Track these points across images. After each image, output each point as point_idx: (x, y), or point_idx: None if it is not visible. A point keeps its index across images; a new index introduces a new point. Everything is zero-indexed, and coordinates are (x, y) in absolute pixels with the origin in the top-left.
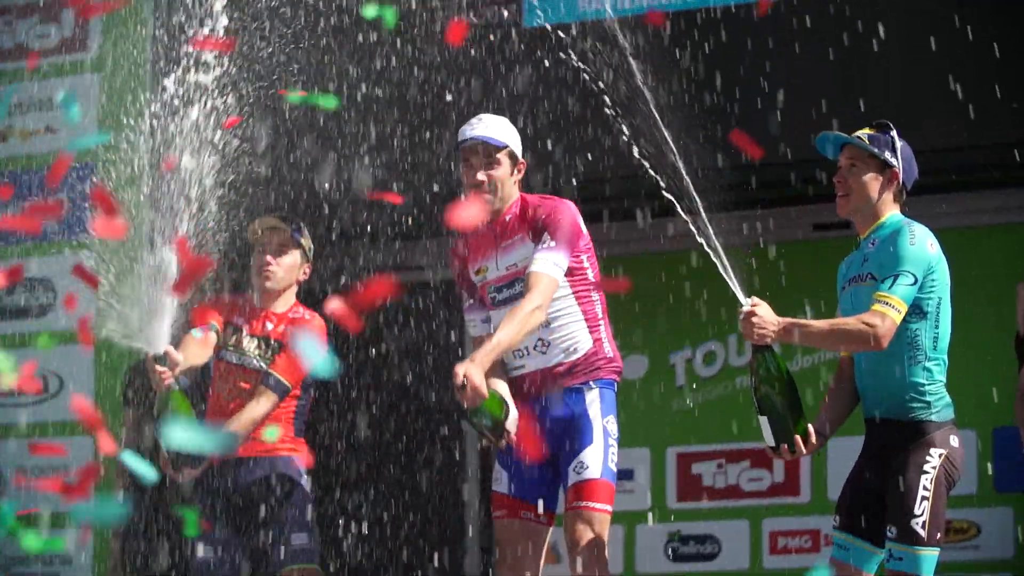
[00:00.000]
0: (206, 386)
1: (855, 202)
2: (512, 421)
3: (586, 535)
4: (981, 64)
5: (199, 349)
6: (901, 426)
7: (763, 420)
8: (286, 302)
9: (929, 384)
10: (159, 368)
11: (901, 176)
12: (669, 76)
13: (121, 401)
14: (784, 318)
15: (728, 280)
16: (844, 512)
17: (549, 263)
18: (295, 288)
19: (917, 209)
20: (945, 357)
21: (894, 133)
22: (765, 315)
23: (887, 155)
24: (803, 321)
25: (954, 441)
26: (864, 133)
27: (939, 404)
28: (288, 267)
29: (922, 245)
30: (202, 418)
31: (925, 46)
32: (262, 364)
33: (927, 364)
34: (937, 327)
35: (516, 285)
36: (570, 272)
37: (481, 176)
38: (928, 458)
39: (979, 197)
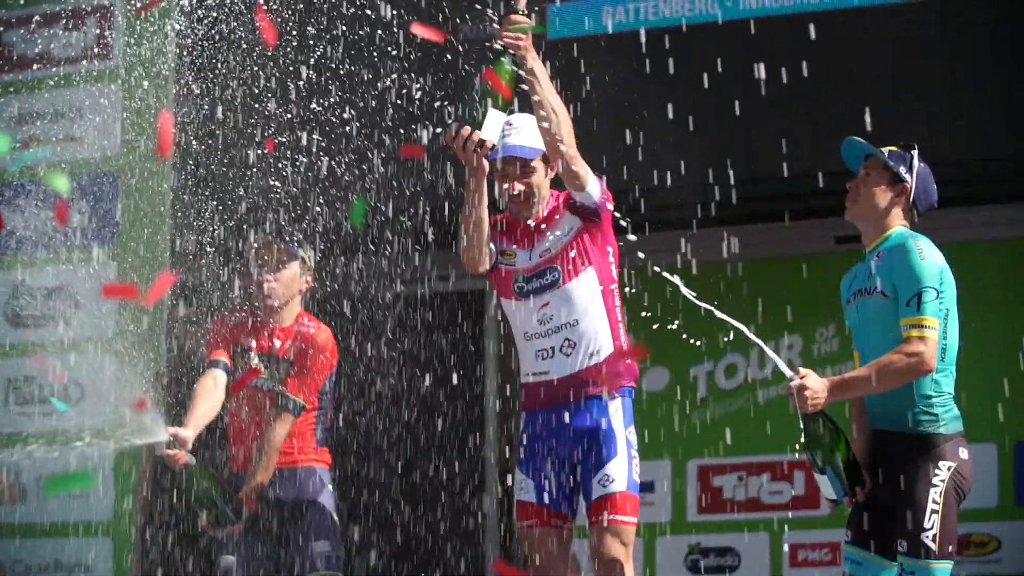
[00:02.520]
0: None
1: (861, 209)
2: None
3: (613, 548)
4: (993, 77)
5: (211, 402)
6: (909, 439)
7: (822, 478)
8: (291, 314)
9: (937, 396)
10: (170, 452)
11: (912, 194)
12: (691, 88)
13: None
14: (829, 379)
15: (772, 357)
16: (855, 527)
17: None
18: (299, 298)
19: (934, 222)
20: (953, 368)
21: (916, 153)
22: (814, 385)
23: (901, 170)
24: (849, 376)
25: (963, 453)
26: (887, 148)
27: (947, 416)
28: (287, 280)
29: (932, 258)
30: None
31: (944, 60)
32: (274, 384)
33: (935, 376)
34: (945, 338)
35: (546, 274)
36: (598, 266)
37: (519, 187)
38: (937, 471)
39: (996, 209)
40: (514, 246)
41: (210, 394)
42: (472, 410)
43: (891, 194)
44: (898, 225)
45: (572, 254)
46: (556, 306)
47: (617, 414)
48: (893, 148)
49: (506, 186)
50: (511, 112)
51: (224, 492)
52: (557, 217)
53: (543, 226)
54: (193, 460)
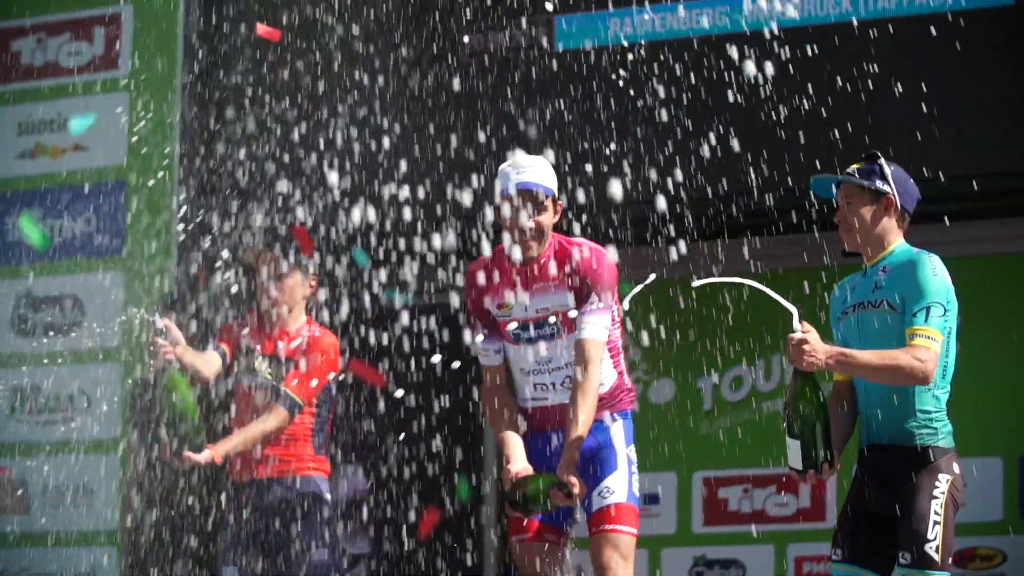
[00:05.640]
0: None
1: (858, 235)
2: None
3: (614, 558)
4: (1012, 89)
5: (204, 359)
6: (909, 452)
7: (793, 443)
8: (297, 320)
9: (936, 411)
10: (160, 341)
11: (897, 201)
12: (701, 99)
13: (128, 417)
14: (832, 347)
15: (786, 305)
16: (847, 544)
17: (600, 328)
18: (304, 304)
19: (943, 235)
20: (949, 387)
21: (882, 161)
22: (815, 343)
23: (878, 183)
24: (851, 351)
25: (956, 467)
26: (854, 168)
27: (944, 431)
28: (289, 289)
29: (943, 276)
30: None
31: (952, 71)
32: (275, 382)
33: (935, 392)
34: (947, 356)
35: (544, 327)
36: None
37: (530, 223)
38: (937, 483)
39: (1006, 224)
40: (510, 298)
41: (205, 359)
42: (469, 423)
43: (878, 209)
44: (896, 236)
45: (572, 314)
46: (556, 350)
47: (618, 434)
48: (859, 165)
49: (512, 225)
50: None
51: (193, 414)
52: (555, 284)
53: (540, 284)
54: (176, 364)
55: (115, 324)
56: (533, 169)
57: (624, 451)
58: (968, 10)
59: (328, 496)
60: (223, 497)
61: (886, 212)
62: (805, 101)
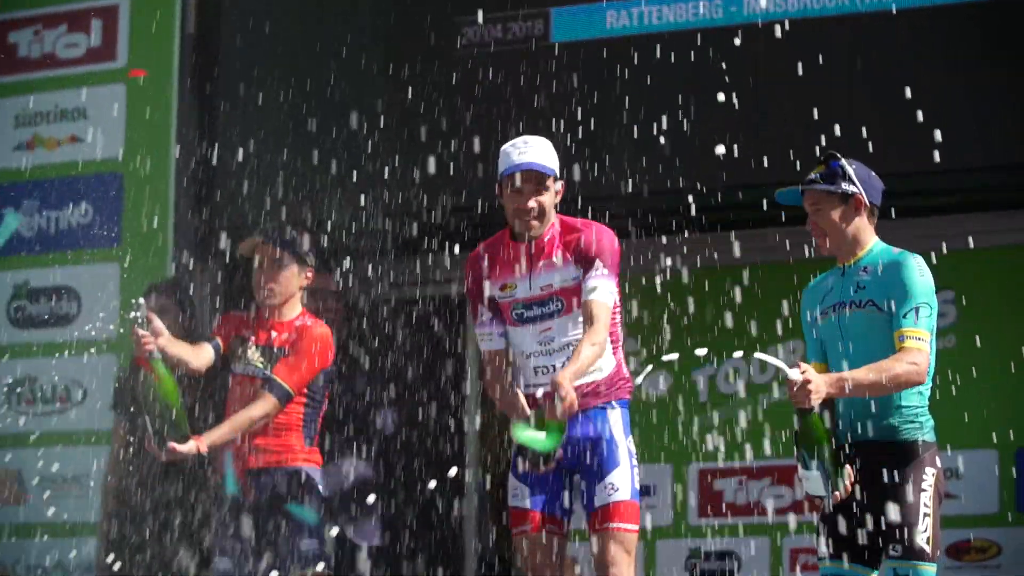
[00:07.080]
0: (217, 403)
1: (833, 240)
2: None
3: (617, 555)
4: (1009, 81)
5: (193, 352)
6: (898, 446)
7: (813, 475)
8: (292, 310)
9: (920, 407)
10: (141, 332)
11: (865, 199)
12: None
13: (112, 405)
14: (830, 375)
15: (779, 365)
16: (834, 542)
17: (606, 292)
18: (299, 295)
19: (939, 229)
20: (932, 381)
21: (843, 161)
22: (816, 379)
23: (843, 186)
24: (848, 374)
25: (938, 461)
26: (815, 172)
27: (928, 425)
28: (285, 280)
29: (928, 276)
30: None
31: (950, 68)
32: (266, 371)
33: (921, 389)
34: (932, 353)
35: (549, 304)
36: None
37: (532, 203)
38: (924, 476)
39: (1003, 217)
40: (513, 278)
41: (195, 351)
42: (453, 418)
43: (848, 210)
44: (871, 235)
45: (576, 289)
46: (559, 329)
47: (617, 424)
48: (819, 169)
49: (514, 206)
50: None
51: (176, 405)
52: (558, 259)
53: (543, 261)
54: (158, 355)
55: (112, 316)
56: (536, 150)
57: (624, 443)
58: (956, 5)
59: (320, 487)
60: (214, 487)
61: (856, 212)
62: (799, 96)
